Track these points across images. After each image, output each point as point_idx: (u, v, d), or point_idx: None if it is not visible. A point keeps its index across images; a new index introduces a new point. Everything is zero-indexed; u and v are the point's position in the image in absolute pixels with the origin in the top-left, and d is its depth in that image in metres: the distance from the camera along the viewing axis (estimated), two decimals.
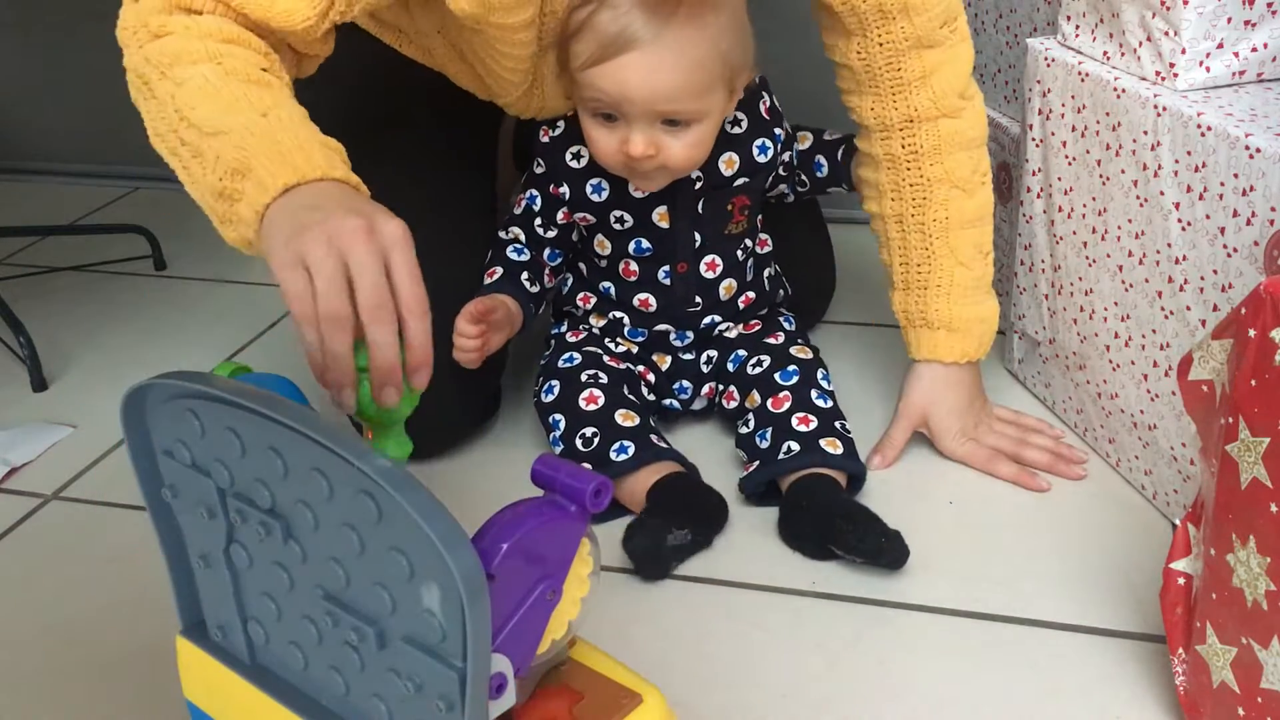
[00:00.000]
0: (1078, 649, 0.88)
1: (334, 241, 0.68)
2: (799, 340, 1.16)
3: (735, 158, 1.10)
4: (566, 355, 1.13)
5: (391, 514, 0.55)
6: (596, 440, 1.06)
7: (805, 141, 1.18)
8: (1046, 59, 1.08)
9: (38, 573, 1.04)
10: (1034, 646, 0.88)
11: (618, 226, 1.11)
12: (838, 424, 1.06)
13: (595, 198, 1.10)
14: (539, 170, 1.12)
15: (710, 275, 1.13)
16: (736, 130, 1.10)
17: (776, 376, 1.10)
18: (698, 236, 1.12)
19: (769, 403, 1.08)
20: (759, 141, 1.11)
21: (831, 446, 1.03)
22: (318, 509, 0.59)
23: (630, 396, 1.11)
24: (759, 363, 1.12)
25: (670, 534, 0.98)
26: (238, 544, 0.65)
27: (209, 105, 0.79)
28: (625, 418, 1.07)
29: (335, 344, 0.68)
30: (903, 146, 1.07)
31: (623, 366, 1.14)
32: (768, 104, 1.12)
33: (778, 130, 1.12)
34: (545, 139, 1.11)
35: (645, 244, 1.12)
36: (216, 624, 0.70)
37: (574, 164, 1.10)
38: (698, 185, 1.09)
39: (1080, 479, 1.07)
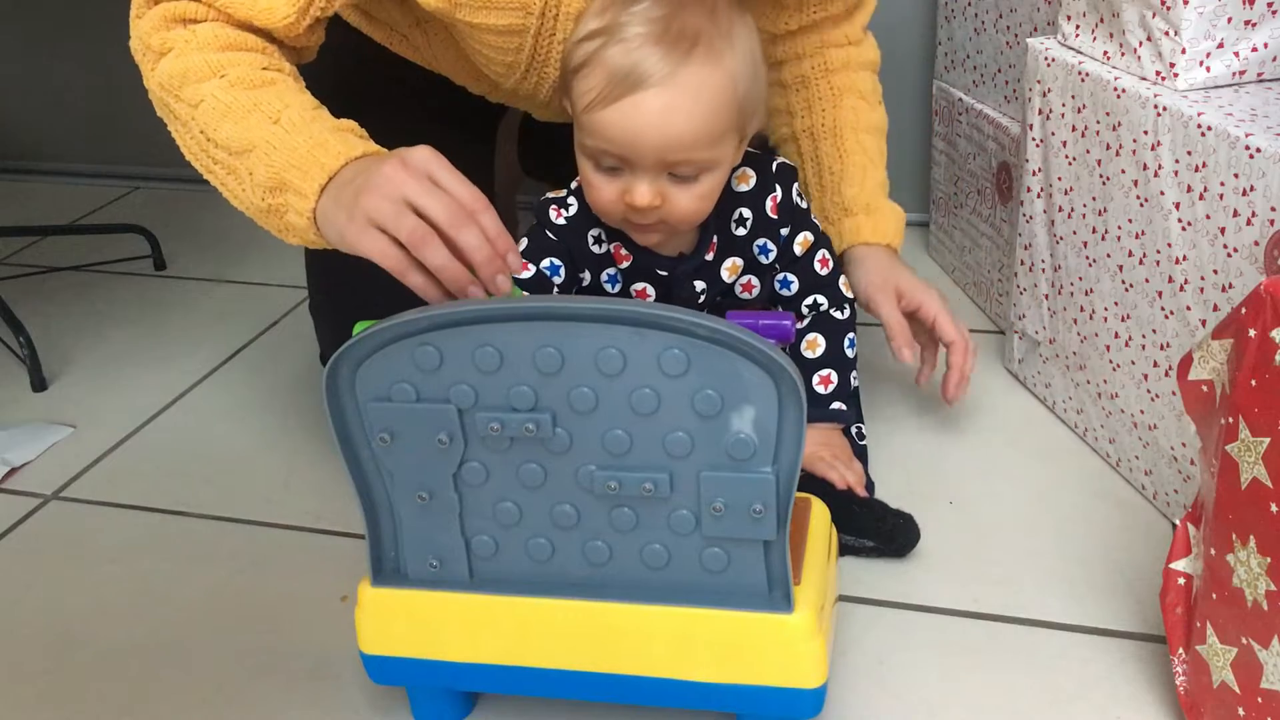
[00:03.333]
0: (1078, 649, 0.88)
1: (384, 191, 0.75)
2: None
3: (739, 262, 1.01)
4: None
5: (701, 359, 0.66)
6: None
7: (815, 349, 1.04)
8: (1046, 59, 1.08)
9: (38, 573, 1.03)
10: (1034, 646, 0.88)
11: None
12: (853, 430, 1.06)
13: (609, 288, 1.01)
14: (560, 243, 0.99)
15: None
16: (740, 231, 1.00)
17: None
18: None
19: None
20: (759, 242, 1.01)
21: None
22: (602, 387, 0.68)
23: None
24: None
25: None
26: (473, 463, 0.72)
27: (227, 125, 0.84)
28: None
29: (439, 259, 0.73)
30: (813, 68, 1.13)
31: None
32: (778, 199, 1.01)
33: (783, 231, 1.02)
34: (560, 220, 0.99)
35: None
36: (431, 558, 0.76)
37: (595, 249, 0.99)
38: (701, 298, 1.02)
39: (907, 359, 1.08)
